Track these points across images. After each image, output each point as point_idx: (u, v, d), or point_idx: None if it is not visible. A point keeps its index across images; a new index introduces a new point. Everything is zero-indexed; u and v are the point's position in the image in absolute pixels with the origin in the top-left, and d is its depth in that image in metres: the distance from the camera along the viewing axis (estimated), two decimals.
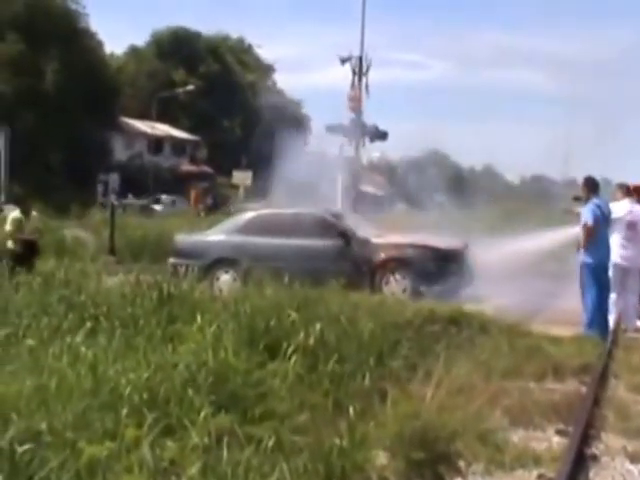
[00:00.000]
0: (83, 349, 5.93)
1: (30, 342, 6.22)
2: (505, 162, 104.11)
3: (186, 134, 64.36)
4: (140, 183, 50.51)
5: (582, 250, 10.31)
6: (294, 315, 7.42)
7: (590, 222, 10.10)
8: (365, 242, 14.05)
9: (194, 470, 4.12)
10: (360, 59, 26.38)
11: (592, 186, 10.62)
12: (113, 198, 30.82)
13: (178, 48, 66.14)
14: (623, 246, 10.84)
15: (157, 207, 45.88)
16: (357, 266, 13.53)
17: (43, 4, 51.07)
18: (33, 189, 38.73)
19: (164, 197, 49.16)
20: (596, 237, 10.25)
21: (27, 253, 12.44)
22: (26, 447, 4.11)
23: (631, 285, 11.03)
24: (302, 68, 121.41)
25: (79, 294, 8.19)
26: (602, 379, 7.63)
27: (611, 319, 10.54)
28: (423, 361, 7.27)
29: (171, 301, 8.05)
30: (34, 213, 13.31)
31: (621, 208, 10.93)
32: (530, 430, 6.14)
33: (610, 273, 10.60)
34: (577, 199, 10.85)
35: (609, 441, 5.98)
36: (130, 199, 44.74)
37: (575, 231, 10.92)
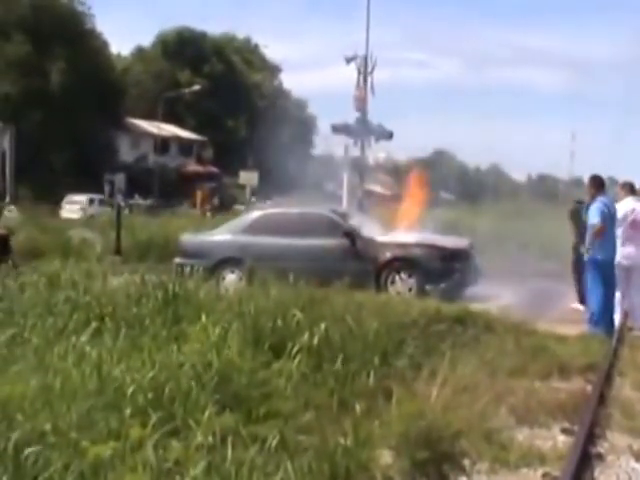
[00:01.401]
0: (88, 349, 5.94)
1: (35, 342, 6.24)
2: (511, 161, 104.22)
3: (192, 134, 64.44)
4: (146, 183, 50.59)
5: (587, 248, 10.30)
6: (299, 315, 7.42)
7: (598, 221, 10.08)
8: (371, 241, 14.04)
9: (198, 470, 4.12)
10: (365, 58, 26.33)
11: (598, 185, 10.60)
12: (119, 198, 30.91)
13: (183, 48, 66.24)
14: (625, 245, 10.80)
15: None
16: (362, 265, 13.52)
17: (49, 5, 51.22)
18: (39, 189, 38.90)
19: (253, 199, 45.76)
20: (602, 235, 10.24)
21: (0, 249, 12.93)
22: (31, 448, 4.12)
23: (635, 283, 11.00)
24: (308, 68, 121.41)
25: (84, 294, 8.20)
26: (608, 378, 7.62)
27: (616, 318, 10.52)
28: (428, 360, 7.26)
29: (176, 301, 8.04)
30: (6, 213, 13.78)
31: (624, 207, 10.90)
32: (535, 429, 6.14)
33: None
34: (580, 202, 10.84)
35: (614, 440, 5.96)
36: (136, 199, 44.75)
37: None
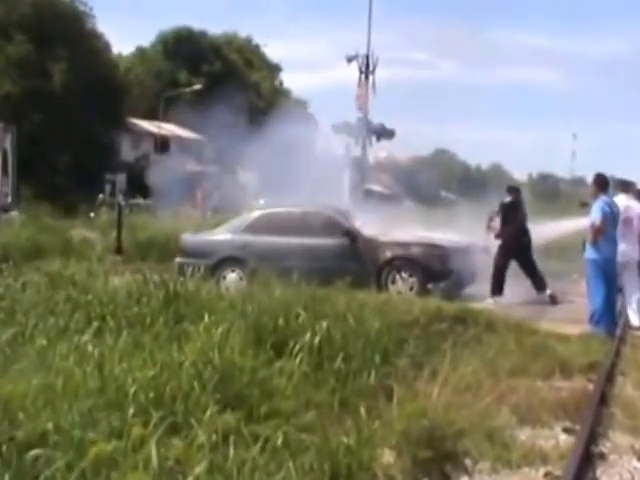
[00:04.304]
0: (90, 348, 5.94)
1: (37, 341, 6.24)
2: (513, 160, 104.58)
3: (193, 134, 64.39)
4: (147, 183, 50.49)
5: (588, 247, 10.31)
6: (301, 314, 7.42)
7: (598, 221, 10.09)
8: (371, 240, 14.04)
9: (200, 469, 4.11)
10: (367, 58, 26.36)
11: (602, 184, 10.60)
12: (120, 198, 30.92)
13: (184, 48, 66.21)
14: (619, 242, 10.79)
15: None
16: (363, 264, 13.52)
17: (50, 5, 51.21)
18: (40, 190, 38.88)
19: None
20: (604, 234, 10.24)
21: None
22: (33, 447, 4.12)
23: (630, 280, 11.06)
24: (309, 67, 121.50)
25: (86, 294, 8.20)
26: (609, 377, 7.62)
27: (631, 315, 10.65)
28: (429, 359, 7.26)
29: (177, 300, 8.04)
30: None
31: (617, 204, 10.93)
32: (537, 428, 6.13)
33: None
34: (584, 205, 10.86)
35: (616, 439, 5.96)
36: (138, 199, 44.67)
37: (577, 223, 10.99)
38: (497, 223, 13.98)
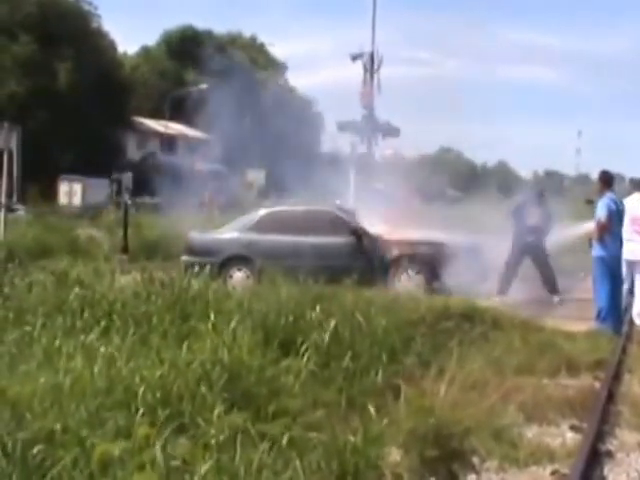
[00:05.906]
0: (97, 347, 5.95)
1: (44, 341, 6.25)
2: (518, 158, 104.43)
3: (199, 133, 64.40)
4: (153, 182, 50.46)
5: (595, 244, 10.29)
6: (308, 312, 7.42)
7: (603, 218, 10.07)
8: (378, 239, 14.03)
9: (207, 468, 4.12)
10: (372, 56, 26.29)
11: (607, 181, 10.58)
12: (126, 197, 30.93)
13: (188, 47, 66.20)
14: (628, 240, 10.76)
15: None
16: (370, 263, 13.51)
17: (55, 4, 51.26)
18: (46, 189, 38.96)
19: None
20: (609, 231, 10.22)
21: None
22: (40, 446, 4.13)
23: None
24: (313, 65, 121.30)
25: (93, 293, 8.21)
26: (616, 374, 7.61)
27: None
28: (436, 357, 7.26)
29: (184, 299, 8.05)
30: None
31: (628, 202, 10.90)
32: (544, 426, 6.12)
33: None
34: (589, 202, 10.84)
35: (624, 437, 5.95)
36: (144, 198, 44.65)
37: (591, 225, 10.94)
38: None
